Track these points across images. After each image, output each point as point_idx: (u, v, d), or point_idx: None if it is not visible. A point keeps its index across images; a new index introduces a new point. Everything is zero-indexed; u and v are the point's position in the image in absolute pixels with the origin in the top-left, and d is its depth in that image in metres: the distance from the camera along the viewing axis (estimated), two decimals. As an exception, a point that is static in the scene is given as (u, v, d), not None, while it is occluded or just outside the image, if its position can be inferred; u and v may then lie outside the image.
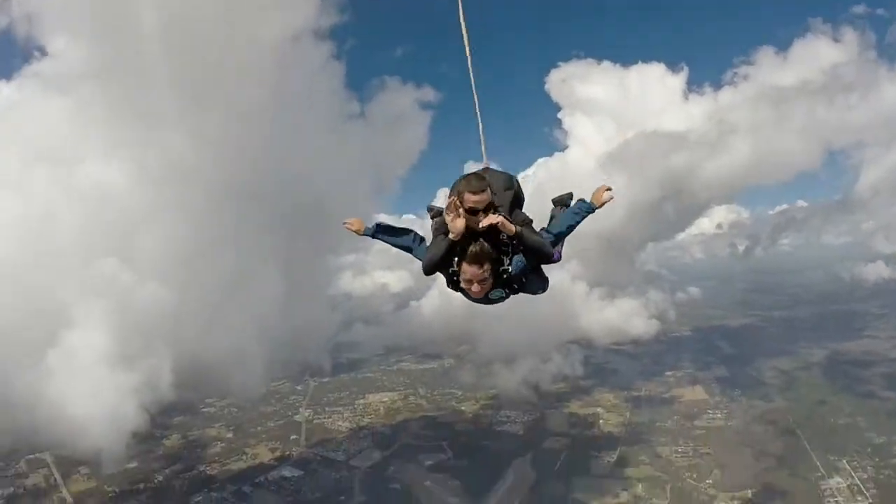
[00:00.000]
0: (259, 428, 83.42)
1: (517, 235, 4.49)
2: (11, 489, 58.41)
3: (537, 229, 5.00)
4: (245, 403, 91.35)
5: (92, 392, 60.49)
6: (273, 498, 62.69)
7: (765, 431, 70.36)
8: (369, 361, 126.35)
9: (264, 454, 74.39)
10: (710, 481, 59.31)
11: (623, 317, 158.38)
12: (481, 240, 4.48)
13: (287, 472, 69.25)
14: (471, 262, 4.44)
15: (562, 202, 5.96)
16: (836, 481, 54.52)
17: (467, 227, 4.42)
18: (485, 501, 60.67)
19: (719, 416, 78.20)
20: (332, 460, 73.34)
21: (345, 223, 5.63)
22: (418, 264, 4.97)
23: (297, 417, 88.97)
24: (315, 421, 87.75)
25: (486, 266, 4.47)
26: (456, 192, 4.63)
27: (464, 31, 5.58)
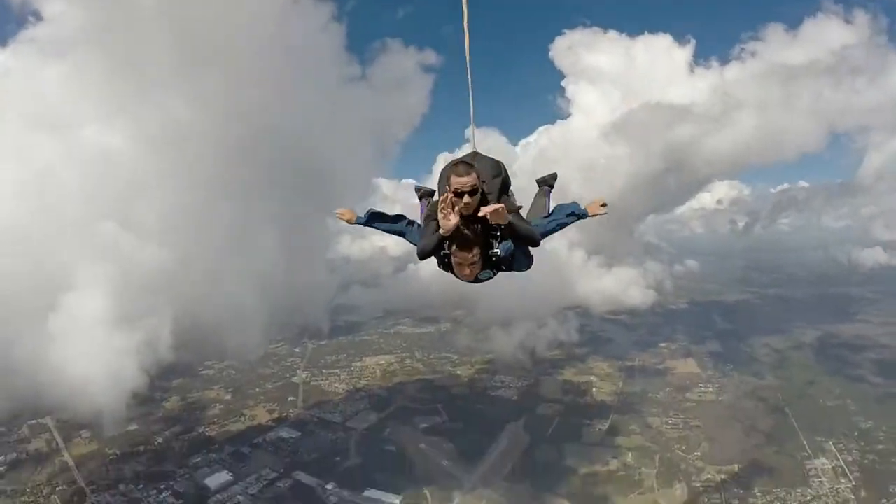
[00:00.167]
0: (257, 390, 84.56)
1: (509, 225, 4.68)
2: (14, 454, 59.33)
3: (528, 212, 5.54)
4: (243, 365, 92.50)
5: (92, 354, 60.79)
6: (270, 459, 63.73)
7: (755, 408, 72.07)
8: (367, 324, 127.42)
9: (262, 416, 75.48)
10: (699, 453, 61.12)
11: (620, 286, 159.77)
12: (473, 226, 4.73)
13: (284, 433, 70.43)
14: (462, 248, 4.74)
15: (546, 182, 6.25)
16: (822, 462, 56.24)
17: (458, 221, 4.63)
18: (478, 465, 62.22)
19: (711, 390, 79.89)
20: (328, 422, 74.64)
21: (336, 213, 5.71)
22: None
23: (294, 379, 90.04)
24: (312, 383, 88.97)
25: (477, 251, 4.78)
26: (447, 184, 4.78)
27: (464, 7, 5.55)
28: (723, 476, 55.81)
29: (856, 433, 61.32)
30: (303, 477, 59.73)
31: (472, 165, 4.81)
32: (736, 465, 57.33)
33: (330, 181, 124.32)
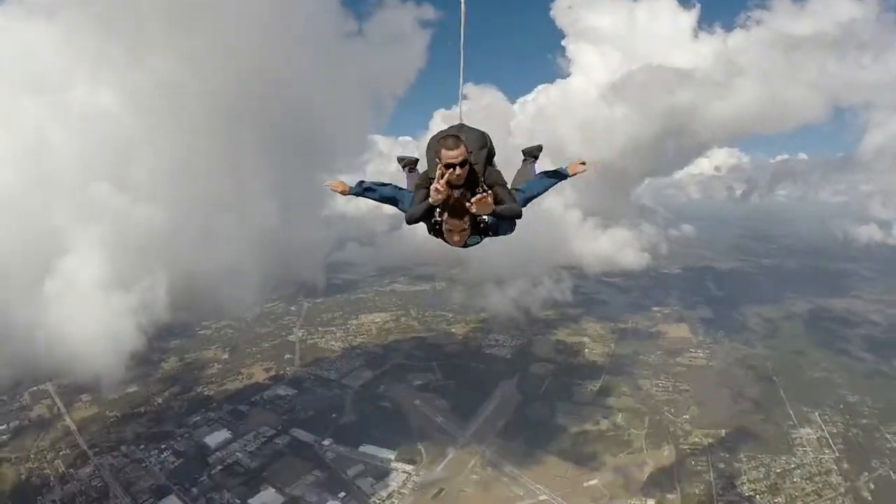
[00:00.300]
0: (254, 349, 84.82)
1: (495, 213, 5.04)
2: (17, 422, 59.22)
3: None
4: (240, 325, 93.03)
5: (90, 316, 60.00)
6: (268, 416, 64.23)
7: (744, 375, 73.32)
8: (363, 282, 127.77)
9: (259, 374, 75.90)
10: (687, 417, 62.33)
11: (615, 247, 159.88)
12: (462, 197, 5.06)
13: (281, 390, 70.95)
14: (454, 216, 5.12)
15: (531, 153, 6.39)
16: (807, 432, 57.69)
17: (449, 190, 4.97)
18: (471, 421, 63.04)
19: (701, 355, 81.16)
20: (324, 379, 75.08)
21: (327, 184, 5.76)
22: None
23: (290, 338, 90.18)
24: (308, 341, 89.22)
25: (468, 219, 5.15)
26: (437, 157, 5.08)
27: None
28: (710, 440, 57.09)
29: (841, 406, 62.62)
30: (300, 434, 60.34)
31: (459, 139, 5.01)
32: (723, 430, 58.62)
33: (325, 138, 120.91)
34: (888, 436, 55.65)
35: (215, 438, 57.90)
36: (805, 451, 54.03)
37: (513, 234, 5.59)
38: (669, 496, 48.60)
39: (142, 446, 55.68)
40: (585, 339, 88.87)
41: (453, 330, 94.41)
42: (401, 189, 5.74)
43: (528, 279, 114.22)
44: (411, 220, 5.28)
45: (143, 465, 52.64)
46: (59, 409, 62.06)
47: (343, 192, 5.69)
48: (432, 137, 5.38)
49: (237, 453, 55.74)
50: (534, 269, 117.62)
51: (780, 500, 46.83)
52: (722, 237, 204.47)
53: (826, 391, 66.60)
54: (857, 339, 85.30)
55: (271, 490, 49.97)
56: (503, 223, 5.34)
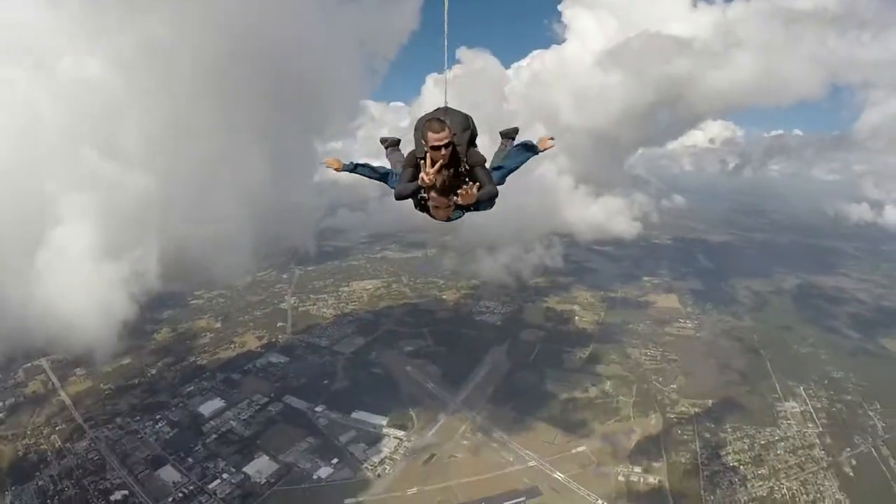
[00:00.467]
0: (246, 317, 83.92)
1: (477, 200, 5.40)
2: (13, 399, 58.00)
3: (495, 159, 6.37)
4: (232, 293, 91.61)
5: (82, 286, 57.62)
6: (261, 384, 63.77)
7: (731, 347, 74.42)
8: (354, 249, 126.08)
9: (252, 342, 75.20)
10: (675, 386, 63.29)
11: (607, 214, 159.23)
12: (448, 175, 5.47)
13: (274, 358, 70.42)
14: (441, 194, 5.52)
15: (508, 135, 6.80)
16: (792, 405, 58.88)
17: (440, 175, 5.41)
18: (461, 387, 63.12)
19: (689, 325, 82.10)
20: (316, 346, 74.52)
21: (323, 161, 6.24)
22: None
23: (282, 305, 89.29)
24: (300, 308, 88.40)
25: (451, 197, 5.53)
26: (423, 140, 5.45)
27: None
28: (696, 409, 58.12)
29: (826, 382, 63.80)
30: (293, 401, 59.98)
31: (444, 122, 5.42)
32: (709, 401, 59.58)
33: (317, 102, 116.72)
34: (871, 413, 56.92)
35: (209, 407, 57.64)
36: (789, 424, 55.19)
37: (493, 209, 5.91)
38: (656, 464, 49.64)
39: (137, 418, 55.28)
40: (576, 307, 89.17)
41: (444, 296, 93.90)
42: (389, 170, 6.29)
43: (520, 245, 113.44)
44: (399, 197, 5.72)
45: (139, 436, 52.30)
46: (53, 384, 61.28)
47: (337, 169, 6.18)
48: (419, 119, 5.70)
49: (231, 422, 55.57)
50: (525, 235, 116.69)
51: (763, 471, 47.97)
52: (714, 210, 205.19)
53: (812, 366, 67.78)
54: (843, 317, 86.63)
55: (265, 458, 49.88)
56: (483, 202, 5.67)
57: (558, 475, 47.91)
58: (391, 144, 6.78)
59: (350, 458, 50.13)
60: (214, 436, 53.06)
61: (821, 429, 54.43)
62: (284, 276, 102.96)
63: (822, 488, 45.95)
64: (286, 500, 44.72)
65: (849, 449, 51.24)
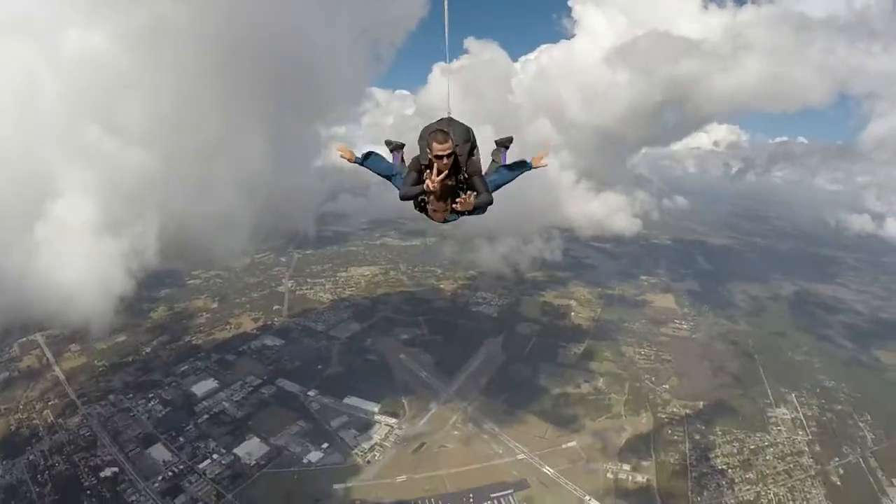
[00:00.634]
0: (243, 298, 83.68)
1: (474, 206, 6.00)
2: (7, 373, 57.60)
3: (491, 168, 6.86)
4: (230, 274, 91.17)
5: (80, 260, 57.58)
6: (255, 366, 63.59)
7: (725, 350, 74.45)
8: (354, 235, 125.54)
9: (247, 324, 74.97)
10: (667, 386, 63.35)
11: (607, 211, 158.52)
12: (447, 182, 5.88)
13: (269, 341, 70.24)
14: (440, 199, 5.98)
15: (502, 144, 7.14)
16: (783, 412, 59.05)
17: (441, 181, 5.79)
18: (455, 378, 63.03)
19: (685, 327, 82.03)
20: (312, 330, 74.37)
21: (336, 147, 6.54)
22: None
23: (280, 288, 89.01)
24: (297, 292, 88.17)
25: (449, 202, 6.02)
26: (428, 149, 5.81)
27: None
28: (687, 411, 58.22)
29: (818, 390, 63.93)
30: (286, 384, 59.84)
31: (448, 133, 5.79)
32: (701, 402, 59.72)
33: (321, 87, 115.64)
34: (861, 424, 57.11)
35: (202, 388, 57.49)
36: (779, 430, 55.39)
37: (490, 209, 6.28)
38: (644, 463, 49.82)
39: (129, 395, 55.11)
40: (572, 303, 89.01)
41: (442, 286, 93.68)
42: (397, 168, 6.64)
43: (519, 237, 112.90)
44: (404, 199, 6.12)
45: (131, 414, 52.13)
46: (48, 359, 61.05)
47: (349, 160, 6.50)
48: (424, 128, 6.11)
49: (223, 402, 55.47)
50: (525, 227, 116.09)
51: (751, 475, 48.28)
52: (715, 213, 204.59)
53: (804, 374, 67.92)
54: (838, 326, 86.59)
55: (256, 440, 49.86)
56: (478, 209, 6.17)
57: (547, 469, 48.07)
58: (396, 148, 7.05)
59: (340, 443, 50.13)
60: (206, 416, 52.97)
61: (810, 437, 54.63)
62: (283, 258, 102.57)
63: (808, 496, 46.26)
64: (275, 483, 44.70)
65: (837, 458, 51.47)
